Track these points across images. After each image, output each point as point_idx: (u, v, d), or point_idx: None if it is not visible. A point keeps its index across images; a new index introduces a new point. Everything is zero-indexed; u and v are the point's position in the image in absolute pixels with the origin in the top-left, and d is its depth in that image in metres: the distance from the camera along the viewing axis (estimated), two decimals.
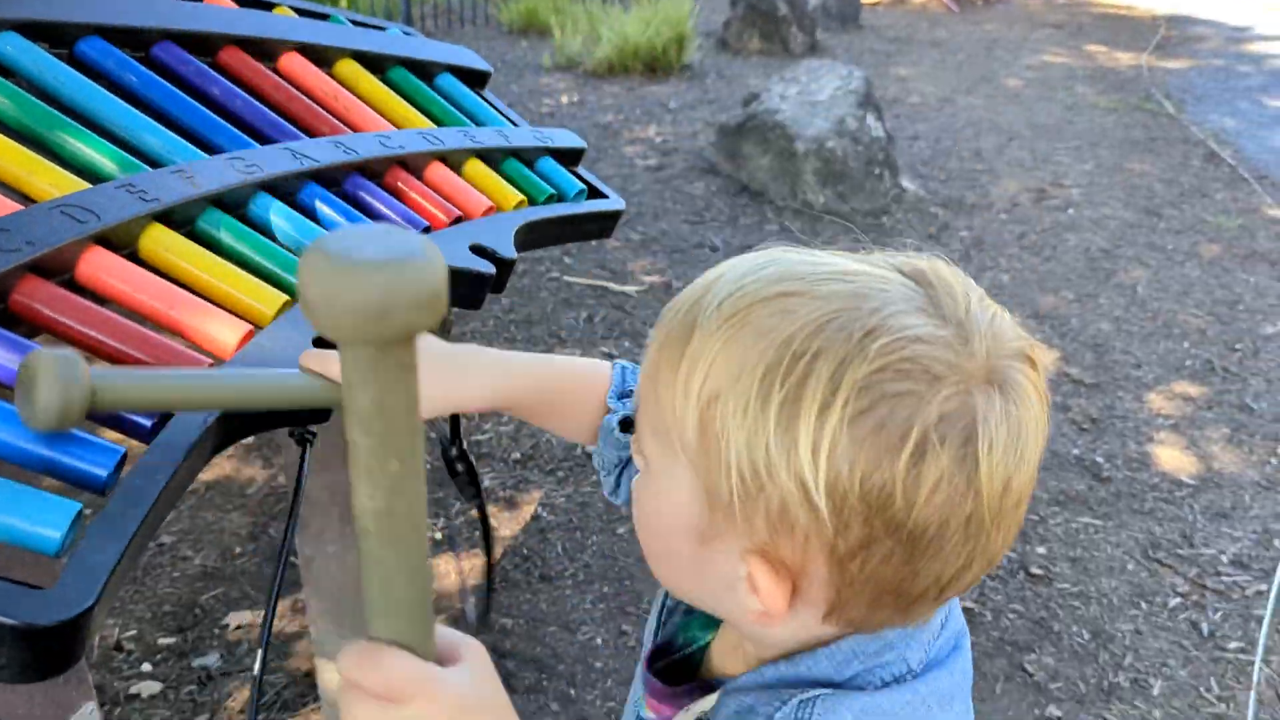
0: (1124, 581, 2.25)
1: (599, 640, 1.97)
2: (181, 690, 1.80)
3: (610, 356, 3.11)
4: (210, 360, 0.81)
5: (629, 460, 0.82)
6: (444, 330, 1.22)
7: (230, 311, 0.85)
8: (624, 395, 0.83)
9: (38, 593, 0.57)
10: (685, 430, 0.54)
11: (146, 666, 1.85)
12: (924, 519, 0.51)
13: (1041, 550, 2.32)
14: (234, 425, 0.77)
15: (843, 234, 4.06)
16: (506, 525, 2.30)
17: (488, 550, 1.95)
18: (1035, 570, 2.25)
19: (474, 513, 2.32)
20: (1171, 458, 2.75)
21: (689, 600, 0.65)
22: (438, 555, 2.16)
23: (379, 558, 0.43)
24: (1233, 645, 2.08)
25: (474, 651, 0.50)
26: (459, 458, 1.59)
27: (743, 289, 0.53)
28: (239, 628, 1.93)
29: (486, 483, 2.44)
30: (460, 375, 0.82)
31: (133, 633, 1.92)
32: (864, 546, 0.51)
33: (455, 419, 1.55)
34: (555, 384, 0.86)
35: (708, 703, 0.61)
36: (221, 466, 2.42)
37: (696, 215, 4.30)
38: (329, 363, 0.77)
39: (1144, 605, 2.18)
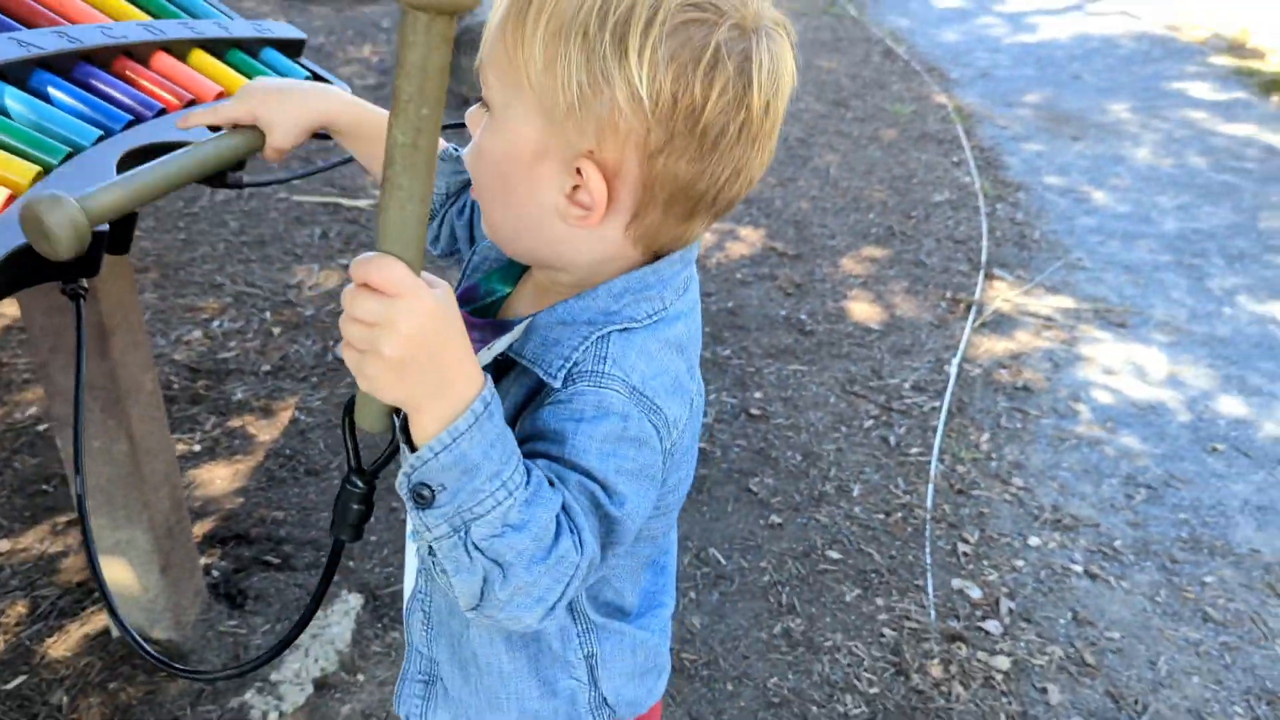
0: (827, 412, 2.61)
1: (372, 519, 2.10)
2: None
3: (346, 269, 3.16)
4: None
5: (449, 199, 1.01)
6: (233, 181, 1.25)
7: None
8: (444, 158, 1.01)
9: None
10: (532, 65, 0.69)
11: None
12: (711, 120, 0.69)
13: (758, 395, 2.65)
14: (12, 276, 0.85)
15: None
16: (265, 431, 2.36)
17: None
18: (754, 411, 2.57)
19: (230, 422, 2.37)
20: (862, 310, 3.15)
21: (511, 240, 0.79)
22: (199, 465, 2.20)
23: (399, 184, 0.57)
24: (914, 451, 2.48)
25: (446, 285, 0.63)
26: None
27: None
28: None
29: (239, 395, 2.48)
30: (309, 97, 0.98)
31: None
32: (668, 142, 0.69)
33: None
34: (378, 117, 1.01)
35: (511, 337, 0.75)
36: None
37: None
38: (200, 116, 0.97)
39: (844, 429, 2.55)
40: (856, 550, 2.13)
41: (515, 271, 0.90)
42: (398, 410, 0.65)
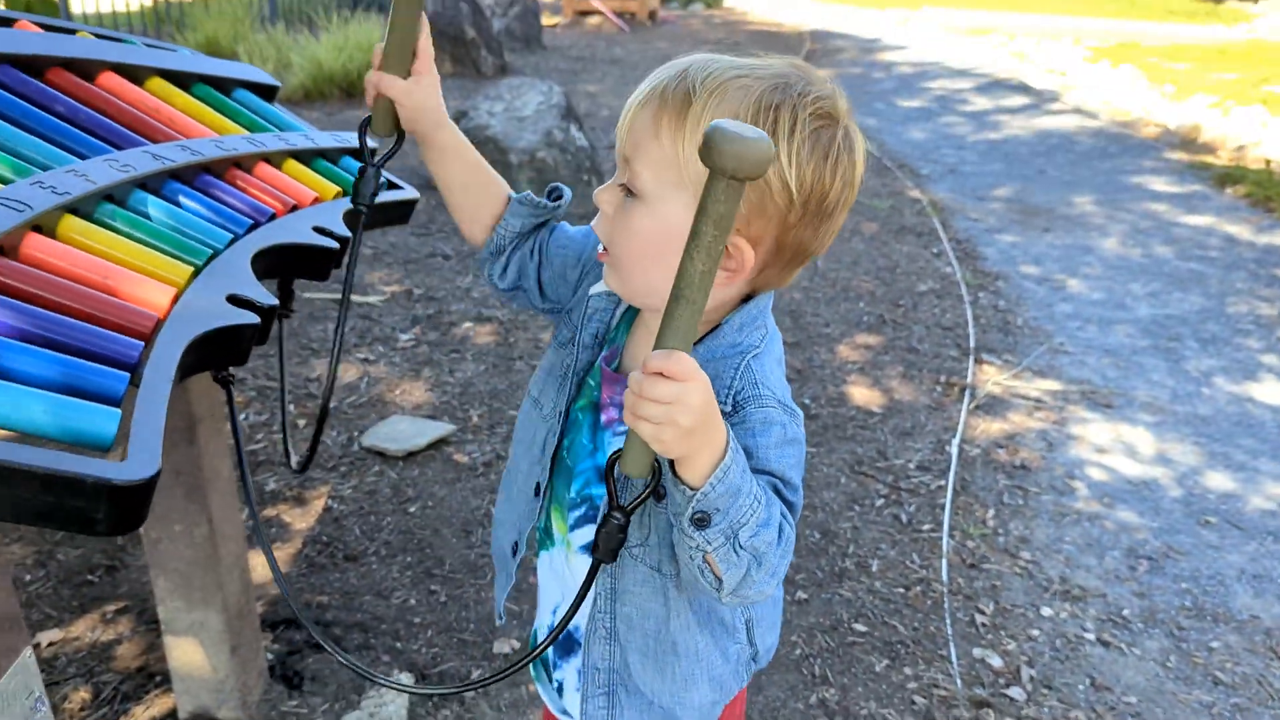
0: (840, 492, 2.72)
1: (412, 601, 2.16)
2: None
3: (366, 361, 3.27)
4: (153, 317, 0.97)
5: (521, 239, 1.15)
6: (287, 304, 1.39)
7: (152, 279, 1.02)
8: (523, 201, 1.14)
9: (122, 464, 0.74)
10: (691, 163, 0.86)
11: None
12: (833, 198, 0.90)
13: None
14: (192, 360, 0.95)
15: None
16: (300, 520, 2.42)
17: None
18: None
19: (267, 511, 2.43)
20: (862, 394, 3.29)
21: (646, 295, 0.97)
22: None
23: (693, 299, 0.72)
24: (926, 527, 2.58)
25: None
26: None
27: (711, 74, 0.88)
28: (51, 644, 1.95)
29: (271, 486, 2.55)
30: (441, 107, 1.10)
31: None
32: (801, 217, 0.89)
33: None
34: (480, 159, 1.15)
35: None
36: None
37: (423, 228, 4.50)
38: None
39: (857, 508, 2.65)
40: (881, 623, 2.21)
41: (625, 325, 1.08)
42: (657, 459, 0.80)
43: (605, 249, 0.97)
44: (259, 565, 2.23)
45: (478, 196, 1.15)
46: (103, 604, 2.08)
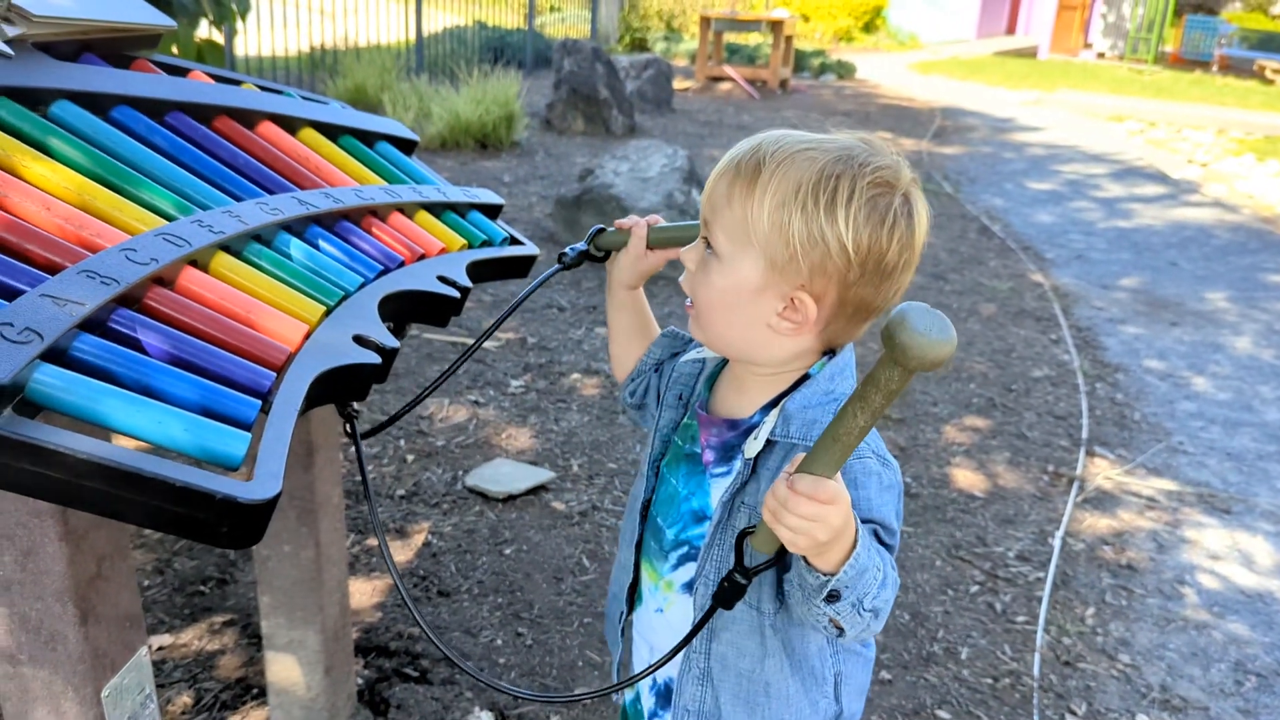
0: (934, 575, 2.68)
1: (499, 641, 2.21)
2: None
3: (476, 404, 3.37)
4: (286, 350, 1.06)
5: (658, 365, 1.27)
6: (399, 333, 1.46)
7: (288, 315, 1.11)
8: (668, 334, 1.29)
9: (248, 483, 0.82)
10: (759, 226, 0.97)
11: None
12: (891, 259, 0.98)
13: None
14: (317, 393, 1.03)
15: (675, 294, 4.47)
16: (400, 552, 2.51)
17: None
18: None
19: (369, 540, 2.53)
20: (965, 477, 3.24)
21: (726, 344, 1.07)
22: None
23: (847, 444, 0.81)
24: (1020, 619, 2.52)
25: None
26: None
27: (782, 147, 0.99)
28: (160, 649, 2.07)
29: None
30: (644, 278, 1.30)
31: None
32: (860, 276, 0.98)
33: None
34: (650, 318, 1.33)
35: (770, 425, 1.03)
36: None
37: None
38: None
39: (950, 592, 2.61)
40: (965, 712, 2.17)
41: (710, 379, 1.17)
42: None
43: (691, 303, 1.08)
44: (357, 592, 2.32)
45: (638, 346, 1.31)
46: (211, 615, 2.20)
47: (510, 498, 2.80)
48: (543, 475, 2.92)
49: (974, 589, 2.64)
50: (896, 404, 3.71)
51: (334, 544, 1.72)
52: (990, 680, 2.28)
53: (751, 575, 0.96)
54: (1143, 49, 21.03)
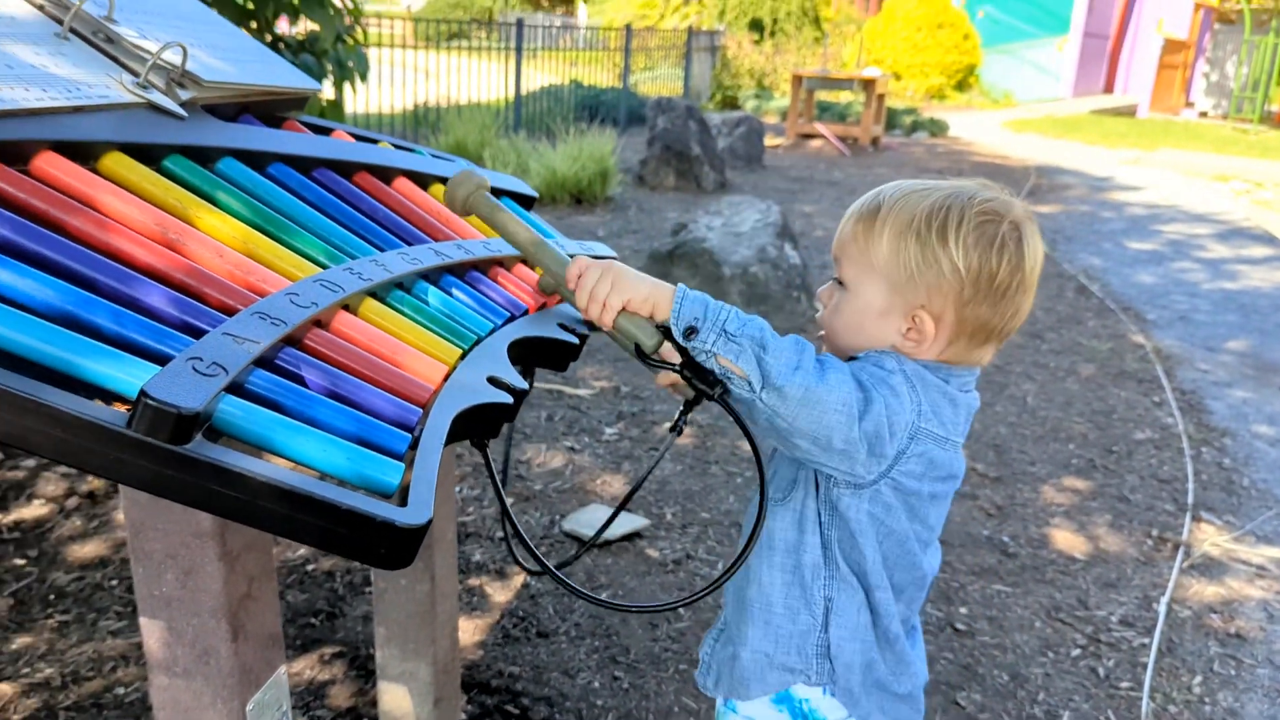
0: (1033, 636, 2.64)
1: (596, 684, 2.25)
2: None
3: (572, 450, 3.44)
4: (429, 389, 1.13)
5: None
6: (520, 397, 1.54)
7: (429, 356, 1.19)
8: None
9: (404, 509, 0.88)
10: (878, 254, 1.14)
11: None
12: (1002, 280, 1.10)
13: (964, 610, 2.70)
14: (456, 429, 1.10)
15: None
16: (500, 593, 2.58)
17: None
18: (960, 626, 2.63)
19: (470, 580, 2.60)
20: (1065, 539, 3.18)
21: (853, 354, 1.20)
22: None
23: (529, 250, 1.14)
24: (1124, 685, 2.47)
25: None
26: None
27: (899, 189, 1.16)
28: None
29: (476, 557, 2.72)
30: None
31: None
32: (974, 295, 1.10)
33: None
34: None
35: None
36: None
37: None
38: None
39: (1051, 654, 2.57)
40: None
41: None
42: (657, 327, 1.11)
43: (825, 332, 1.24)
44: (460, 630, 2.38)
45: None
46: (321, 646, 2.28)
47: (606, 543, 2.85)
48: (637, 522, 2.96)
49: (1075, 652, 2.59)
50: (993, 461, 3.67)
51: (447, 579, 1.79)
52: None
53: (688, 360, 1.10)
54: (1248, 108, 20.49)
